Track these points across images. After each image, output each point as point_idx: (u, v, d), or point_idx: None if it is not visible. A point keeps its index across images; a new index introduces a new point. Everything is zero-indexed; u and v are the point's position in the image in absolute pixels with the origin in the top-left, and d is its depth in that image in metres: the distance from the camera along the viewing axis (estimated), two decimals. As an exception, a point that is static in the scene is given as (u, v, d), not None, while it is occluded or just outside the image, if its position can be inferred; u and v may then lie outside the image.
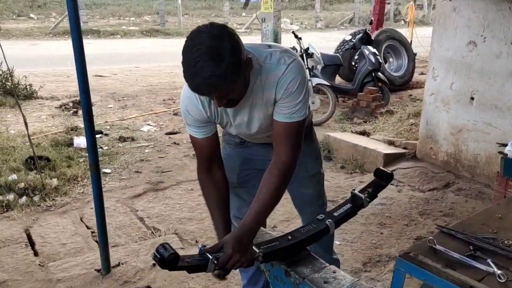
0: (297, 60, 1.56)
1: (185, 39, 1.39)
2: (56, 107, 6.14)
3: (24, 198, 3.36)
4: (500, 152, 2.47)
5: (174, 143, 4.86)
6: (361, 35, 6.74)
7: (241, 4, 29.57)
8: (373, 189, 1.83)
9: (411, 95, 7.02)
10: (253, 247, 1.49)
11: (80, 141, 4.47)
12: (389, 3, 16.58)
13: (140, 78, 8.36)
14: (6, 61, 3.53)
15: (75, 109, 5.90)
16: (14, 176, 3.58)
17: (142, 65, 9.59)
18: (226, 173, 2.03)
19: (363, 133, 4.90)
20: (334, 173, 4.14)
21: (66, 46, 2.02)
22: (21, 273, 2.55)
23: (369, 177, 3.72)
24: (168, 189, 3.75)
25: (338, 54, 7.14)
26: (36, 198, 3.40)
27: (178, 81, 7.72)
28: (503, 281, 1.30)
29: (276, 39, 4.97)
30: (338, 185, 3.83)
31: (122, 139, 4.90)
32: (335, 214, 1.71)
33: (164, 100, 6.77)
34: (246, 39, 1.47)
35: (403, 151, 4.33)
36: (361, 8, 21.15)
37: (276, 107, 1.59)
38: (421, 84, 7.05)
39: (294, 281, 1.50)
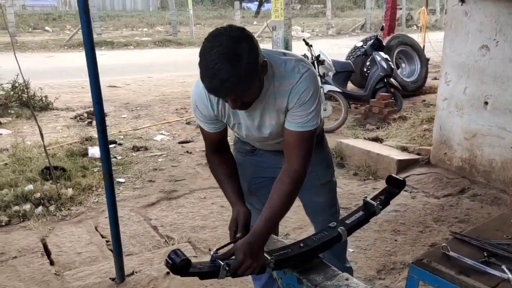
0: (311, 70, 1.57)
1: (197, 48, 1.40)
2: (71, 118, 6.24)
3: (40, 208, 3.42)
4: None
5: (187, 152, 4.89)
6: (372, 41, 6.73)
7: (252, 13, 29.78)
8: (386, 197, 1.82)
9: (424, 100, 6.97)
10: (265, 254, 1.49)
11: (95, 151, 4.52)
12: (400, 9, 16.55)
13: (153, 88, 8.45)
14: (22, 74, 3.61)
15: (89, 120, 5.98)
16: (30, 187, 3.64)
17: (155, 75, 9.69)
18: (238, 182, 2.05)
19: (376, 140, 4.87)
20: (347, 180, 4.12)
21: (80, 58, 2.08)
22: (37, 282, 2.59)
23: (382, 184, 3.68)
24: (181, 197, 3.77)
25: (349, 61, 7.14)
26: (52, 208, 3.45)
27: (191, 91, 7.78)
28: (518, 287, 1.28)
29: (287, 47, 4.99)
30: (351, 192, 3.81)
31: (135, 148, 4.95)
32: (347, 221, 1.71)
33: (176, 109, 6.83)
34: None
35: (417, 157, 4.29)
36: (373, 14, 21.10)
37: (288, 116, 1.59)
38: (434, 89, 6.99)
39: (306, 289, 1.50)
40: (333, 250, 1.80)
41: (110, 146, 4.81)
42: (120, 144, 5.08)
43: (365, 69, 7.23)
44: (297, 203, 2.15)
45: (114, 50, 13.90)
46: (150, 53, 13.48)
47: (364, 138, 5.05)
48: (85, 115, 6.26)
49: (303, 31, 19.05)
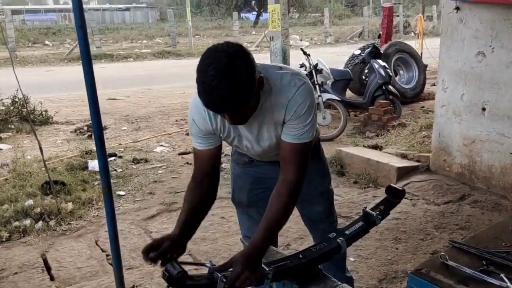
0: (307, 83, 1.59)
1: (196, 59, 1.42)
2: (71, 132, 6.26)
3: (40, 223, 3.42)
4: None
5: (187, 163, 4.90)
6: (370, 49, 6.77)
7: (250, 23, 29.95)
8: (385, 206, 1.82)
9: (423, 107, 6.98)
10: (263, 266, 1.49)
11: (95, 164, 4.52)
12: (398, 16, 16.62)
13: (152, 100, 8.48)
14: (21, 89, 3.63)
15: (89, 133, 6.00)
16: (30, 202, 3.64)
17: (155, 87, 9.73)
18: (236, 193, 2.05)
19: (376, 147, 4.87)
20: (347, 188, 4.12)
21: (80, 71, 2.10)
22: (38, 298, 2.58)
23: (382, 192, 3.67)
24: (182, 209, 3.76)
25: (347, 69, 7.17)
26: (52, 223, 3.45)
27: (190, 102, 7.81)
28: (517, 296, 1.28)
29: (285, 56, 5.01)
30: (351, 200, 3.81)
31: (135, 161, 4.95)
32: (347, 232, 1.71)
33: (176, 120, 6.84)
34: (256, 57, 1.50)
35: (417, 164, 4.29)
36: (370, 22, 21.24)
37: (284, 128, 1.61)
38: (433, 95, 6.99)
39: (305, 301, 1.49)
40: (333, 259, 1.80)
41: (110, 159, 4.84)
42: (120, 157, 5.09)
43: (363, 77, 7.27)
44: (298, 213, 2.15)
45: (114, 62, 13.98)
46: (149, 65, 13.55)
47: (364, 146, 5.05)
48: (85, 128, 6.27)
49: (301, 40, 19.15)
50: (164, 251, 1.49)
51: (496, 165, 3.71)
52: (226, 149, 1.85)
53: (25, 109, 6.07)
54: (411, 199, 3.73)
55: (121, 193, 4.10)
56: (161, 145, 5.59)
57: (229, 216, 3.45)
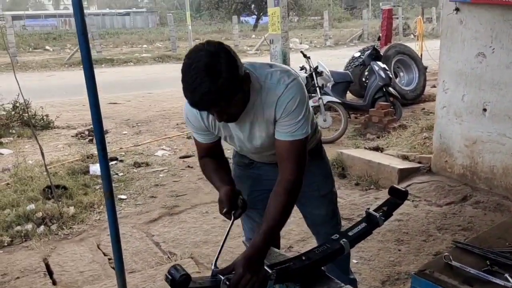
0: (296, 80, 1.59)
1: None
2: (72, 136, 6.26)
3: (42, 228, 3.41)
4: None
5: (188, 166, 4.90)
6: (369, 51, 6.78)
7: (250, 27, 30.01)
8: (388, 208, 1.82)
9: (423, 108, 6.98)
10: (266, 268, 1.49)
11: (96, 168, 4.53)
12: (397, 18, 16.64)
13: (153, 104, 8.49)
14: (22, 94, 3.63)
15: (90, 137, 6.00)
16: (32, 206, 3.64)
17: (155, 91, 9.74)
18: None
19: (377, 149, 4.87)
20: (348, 190, 4.12)
21: (81, 75, 2.11)
22: (40, 303, 2.58)
23: (384, 193, 3.69)
24: (183, 212, 3.76)
25: (348, 71, 7.17)
26: (53, 227, 3.44)
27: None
28: (522, 296, 1.28)
29: (285, 59, 5.02)
30: (353, 202, 3.80)
31: (137, 164, 4.95)
32: (350, 233, 1.70)
33: (177, 124, 6.85)
34: (257, 61, 1.50)
35: (418, 165, 4.28)
36: (370, 24, 21.27)
37: (277, 126, 1.61)
38: (433, 97, 6.99)
39: (309, 303, 1.49)
40: (336, 261, 1.79)
41: (112, 163, 4.83)
42: (121, 161, 5.09)
43: (363, 79, 7.27)
44: (300, 215, 2.15)
45: (114, 67, 14.00)
46: (150, 69, 13.57)
47: (365, 148, 5.05)
48: (86, 132, 6.28)
49: (301, 43, 19.18)
50: (230, 199, 1.64)
51: (497, 166, 3.70)
52: (227, 152, 1.85)
53: (26, 114, 6.08)
54: (413, 201, 3.72)
55: (123, 197, 4.10)
56: (162, 149, 5.59)
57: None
